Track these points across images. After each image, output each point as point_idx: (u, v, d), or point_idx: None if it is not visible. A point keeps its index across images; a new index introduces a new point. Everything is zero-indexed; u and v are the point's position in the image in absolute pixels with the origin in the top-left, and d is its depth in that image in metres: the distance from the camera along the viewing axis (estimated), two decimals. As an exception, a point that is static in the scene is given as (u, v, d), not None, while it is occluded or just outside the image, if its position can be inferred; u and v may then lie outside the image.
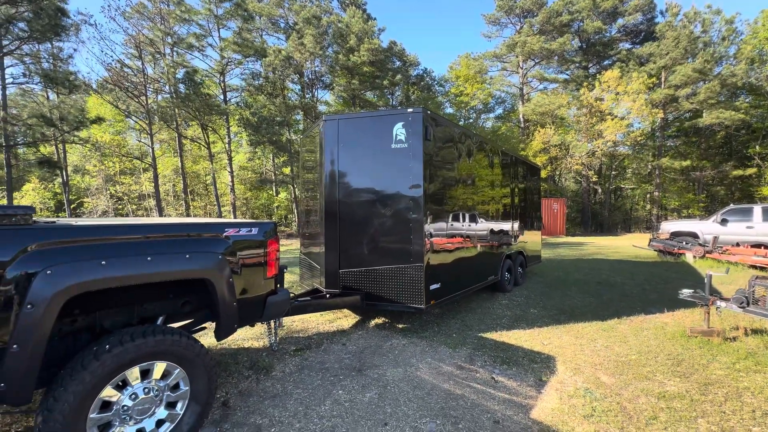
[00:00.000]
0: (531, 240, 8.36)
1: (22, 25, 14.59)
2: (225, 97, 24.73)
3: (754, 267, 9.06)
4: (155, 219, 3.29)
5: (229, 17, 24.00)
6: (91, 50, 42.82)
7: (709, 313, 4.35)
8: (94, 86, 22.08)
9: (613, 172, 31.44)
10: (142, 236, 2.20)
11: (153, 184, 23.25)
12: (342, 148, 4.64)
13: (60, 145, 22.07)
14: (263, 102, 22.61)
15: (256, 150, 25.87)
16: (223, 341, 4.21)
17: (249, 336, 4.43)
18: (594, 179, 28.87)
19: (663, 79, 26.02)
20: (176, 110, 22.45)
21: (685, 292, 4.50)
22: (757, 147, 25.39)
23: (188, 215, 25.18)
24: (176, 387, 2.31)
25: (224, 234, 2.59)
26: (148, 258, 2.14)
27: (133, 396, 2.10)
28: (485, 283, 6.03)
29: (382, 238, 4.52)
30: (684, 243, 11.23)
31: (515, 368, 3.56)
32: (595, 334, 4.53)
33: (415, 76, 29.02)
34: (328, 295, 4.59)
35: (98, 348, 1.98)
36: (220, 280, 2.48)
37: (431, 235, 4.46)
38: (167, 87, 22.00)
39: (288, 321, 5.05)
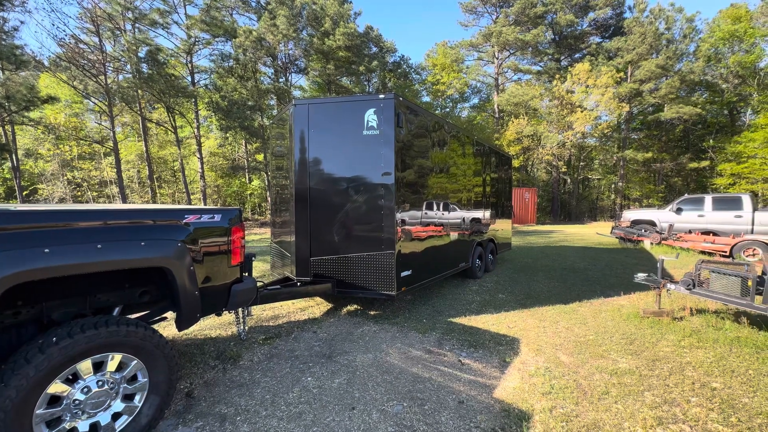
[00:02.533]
0: (502, 228, 8.59)
1: (-43, -9, 13.21)
2: (193, 78, 23.53)
3: (704, 252, 9.76)
4: (106, 205, 3.10)
5: (196, -7, 22.67)
6: (41, 23, 39.23)
7: (660, 295, 4.65)
8: (46, 63, 20.39)
9: (581, 163, 32.70)
10: (91, 222, 2.06)
11: (115, 170, 21.98)
12: (313, 133, 4.54)
13: (8, 127, 20.36)
14: (234, 85, 21.70)
15: (227, 135, 24.90)
16: (189, 331, 4.10)
17: (216, 325, 4.33)
18: (564, 170, 29.91)
19: (629, 74, 27.09)
20: (139, 91, 21.16)
21: (640, 276, 4.78)
22: (711, 141, 27.12)
23: (155, 203, 24.08)
24: (134, 379, 2.22)
25: (184, 221, 2.49)
26: (98, 245, 2.02)
27: (86, 389, 2.01)
28: (456, 270, 6.16)
29: (353, 226, 4.49)
30: (643, 230, 11.90)
31: (481, 351, 3.68)
32: (557, 317, 4.75)
33: (391, 63, 28.68)
34: (299, 284, 4.54)
35: (44, 341, 1.87)
36: (180, 269, 2.39)
37: (403, 223, 4.49)
38: (128, 66, 20.63)
39: (258, 310, 4.98)
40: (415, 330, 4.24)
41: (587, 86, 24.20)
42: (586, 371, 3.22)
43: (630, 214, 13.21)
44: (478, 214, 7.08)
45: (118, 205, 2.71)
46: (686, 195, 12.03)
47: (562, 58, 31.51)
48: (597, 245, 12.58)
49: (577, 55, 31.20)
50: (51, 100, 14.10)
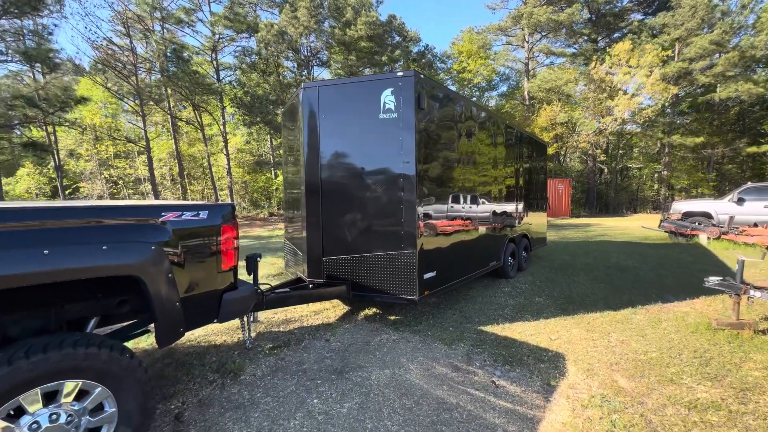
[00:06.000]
0: (536, 222, 7.83)
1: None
2: (218, 75, 23.81)
3: (774, 249, 8.52)
4: (61, 201, 2.76)
5: (220, -11, 22.82)
6: (75, 27, 41.30)
7: (739, 304, 3.85)
8: (87, 68, 21.25)
9: (620, 151, 30.49)
10: (36, 223, 1.70)
11: (148, 168, 22.72)
12: (324, 119, 4.08)
13: (50, 128, 21.46)
14: (257, 80, 21.73)
15: (251, 131, 25.11)
16: (193, 337, 3.79)
17: (223, 330, 4.01)
18: (602, 158, 27.98)
19: (676, 52, 24.76)
20: (167, 90, 21.64)
21: (712, 280, 4.00)
22: (773, 123, 24.35)
23: (185, 199, 24.76)
24: (99, 409, 1.86)
25: (160, 219, 2.09)
26: (45, 251, 1.64)
27: (34, 426, 1.65)
28: (486, 270, 5.55)
29: (369, 222, 4.01)
30: (697, 224, 10.66)
31: (519, 369, 3.11)
32: (608, 327, 4.07)
33: (415, 52, 27.78)
34: (311, 285, 4.14)
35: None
36: (155, 277, 2.00)
37: (425, 218, 3.96)
38: (157, 65, 21.11)
39: (270, 312, 4.62)
40: (440, 340, 3.72)
41: (630, 67, 22.22)
42: (654, 402, 2.58)
43: (681, 206, 11.89)
44: (510, 206, 6.40)
45: (75, 202, 2.35)
46: (749, 183, 10.64)
47: (600, 38, 29.32)
48: (643, 240, 11.44)
49: (616, 35, 28.90)
50: (83, 100, 14.56)
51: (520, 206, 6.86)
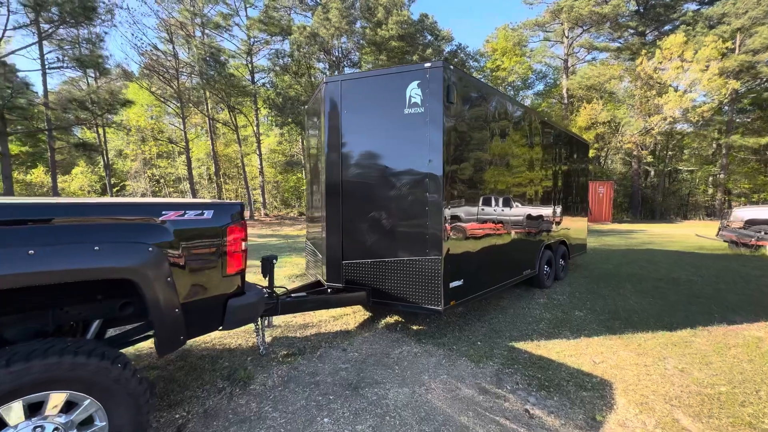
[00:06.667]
0: (575, 227, 7.23)
1: (55, 9, 14.86)
2: (253, 78, 24.49)
3: None
4: (52, 198, 2.69)
5: (256, -6, 23.45)
6: (124, 34, 44.56)
7: (831, 332, 3.23)
8: (135, 73, 22.59)
9: (669, 153, 28.21)
10: (18, 220, 1.58)
11: (187, 167, 23.76)
12: (346, 115, 3.86)
13: (101, 130, 22.98)
14: (289, 82, 22.12)
15: (283, 131, 25.62)
16: (208, 339, 3.70)
17: (240, 332, 3.89)
18: (649, 159, 26.00)
19: (737, 44, 22.55)
20: (206, 93, 22.52)
21: (796, 302, 3.38)
22: None
23: (220, 198, 25.68)
24: (88, 423, 1.72)
25: (160, 218, 1.94)
26: (30, 251, 1.52)
27: (16, 440, 1.53)
28: (520, 278, 5.11)
29: (392, 224, 3.75)
30: (764, 233, 9.50)
31: (557, 397, 2.72)
32: (663, 350, 3.55)
33: (448, 51, 27.18)
34: (329, 290, 3.94)
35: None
36: (152, 281, 1.85)
37: (453, 221, 3.64)
38: (197, 68, 22.03)
39: (288, 316, 4.47)
40: (467, 357, 3.38)
41: (683, 61, 20.44)
42: (730, 452, 2.13)
43: (743, 213, 10.67)
44: (547, 210, 5.91)
45: (67, 199, 2.24)
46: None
47: (648, 31, 27.32)
48: (696, 249, 10.37)
49: (666, 27, 26.78)
50: (128, 103, 15.39)
51: (558, 210, 6.33)
